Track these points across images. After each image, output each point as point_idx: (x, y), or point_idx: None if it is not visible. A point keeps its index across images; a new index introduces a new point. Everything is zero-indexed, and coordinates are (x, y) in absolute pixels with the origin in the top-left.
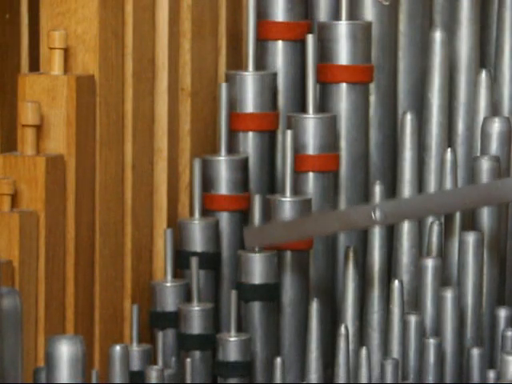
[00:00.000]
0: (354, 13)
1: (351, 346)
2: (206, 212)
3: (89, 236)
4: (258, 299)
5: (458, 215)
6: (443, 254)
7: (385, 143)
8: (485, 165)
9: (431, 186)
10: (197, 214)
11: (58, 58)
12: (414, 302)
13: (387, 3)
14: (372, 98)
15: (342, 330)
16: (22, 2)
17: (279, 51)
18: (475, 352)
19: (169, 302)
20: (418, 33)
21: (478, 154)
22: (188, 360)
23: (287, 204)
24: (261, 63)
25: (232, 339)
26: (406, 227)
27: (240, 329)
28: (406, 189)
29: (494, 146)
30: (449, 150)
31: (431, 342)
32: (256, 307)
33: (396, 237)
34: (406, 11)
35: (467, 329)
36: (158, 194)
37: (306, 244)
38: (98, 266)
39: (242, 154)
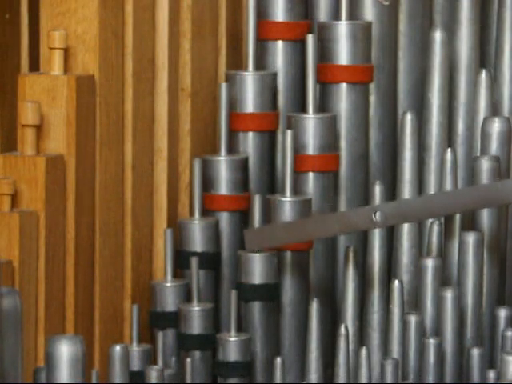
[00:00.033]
0: (354, 13)
1: (351, 346)
2: (206, 212)
3: (89, 236)
4: (258, 299)
5: (458, 215)
6: (443, 254)
7: (385, 143)
8: (485, 165)
9: (431, 186)
10: (197, 214)
11: (58, 58)
12: (414, 302)
13: (387, 3)
14: (372, 98)
15: (342, 330)
16: (22, 2)
17: (279, 51)
18: (475, 352)
19: (169, 301)
20: (418, 33)
21: (478, 154)
22: (188, 360)
23: (287, 204)
24: (261, 63)
25: (232, 339)
26: (405, 227)
27: (240, 329)
28: (406, 189)
29: (494, 146)
30: (449, 150)
31: (431, 341)
32: (256, 307)
33: (396, 237)
34: (406, 11)
35: (467, 329)
36: (158, 194)
37: (306, 244)
38: (98, 266)
39: (242, 154)
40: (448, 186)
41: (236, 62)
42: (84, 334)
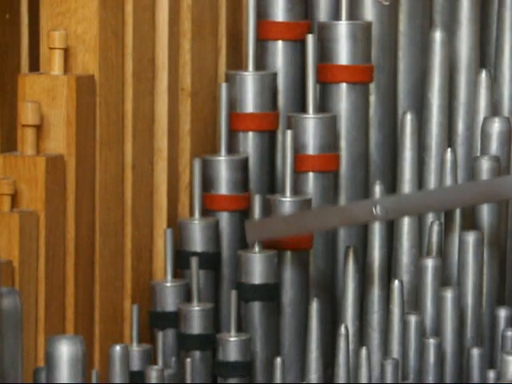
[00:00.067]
0: (354, 13)
1: (351, 346)
2: (206, 212)
3: (89, 236)
4: (258, 299)
5: (458, 215)
6: (443, 254)
7: (385, 143)
8: (485, 165)
9: (431, 186)
10: (197, 214)
11: (58, 58)
12: (414, 302)
13: (387, 3)
14: (372, 98)
15: (342, 330)
16: (22, 2)
17: (279, 51)
18: (475, 352)
19: (169, 301)
20: (418, 33)
21: (478, 154)
22: (188, 360)
23: (287, 204)
24: (261, 63)
25: (232, 339)
26: (406, 227)
27: (240, 329)
28: (406, 189)
29: (494, 146)
30: (449, 150)
31: (431, 341)
32: (256, 307)
33: (396, 237)
34: (406, 11)
35: (467, 329)
36: (158, 194)
37: (306, 244)
38: (98, 266)
39: (242, 154)
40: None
41: (236, 61)
42: (84, 334)
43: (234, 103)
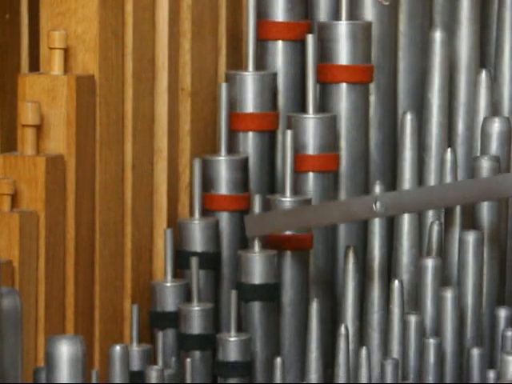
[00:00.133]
0: (354, 13)
1: (351, 346)
2: (206, 212)
3: (89, 236)
4: (258, 299)
5: (458, 214)
6: (443, 254)
7: (385, 143)
8: (485, 165)
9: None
10: (197, 214)
11: (58, 58)
12: (414, 302)
13: (387, 3)
14: (372, 98)
15: (342, 330)
16: (22, 2)
17: (279, 51)
18: (475, 352)
19: (169, 301)
20: (418, 33)
21: (478, 154)
22: (188, 360)
23: (287, 204)
24: (261, 63)
25: (232, 339)
26: (406, 227)
27: (240, 329)
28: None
29: (494, 146)
30: (449, 150)
31: (431, 341)
32: (256, 307)
33: (396, 237)
34: (406, 11)
35: (467, 329)
36: (158, 194)
37: (306, 244)
38: (98, 266)
39: (242, 154)
40: None
41: (236, 62)
42: (84, 334)
43: (234, 103)
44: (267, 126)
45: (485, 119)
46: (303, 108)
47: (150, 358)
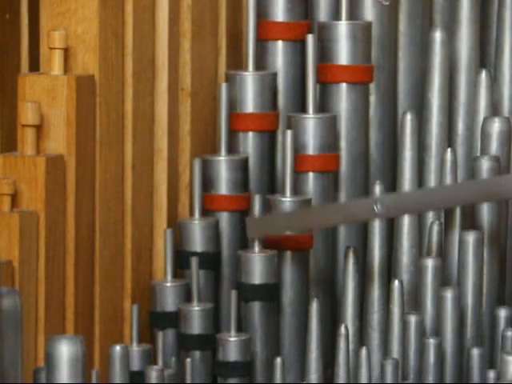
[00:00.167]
0: (354, 13)
1: (351, 346)
2: (206, 212)
3: (89, 236)
4: (258, 299)
5: (458, 214)
6: (443, 254)
7: (385, 143)
8: (485, 165)
9: (431, 185)
10: (197, 214)
11: (58, 58)
12: (414, 302)
13: (387, 3)
14: (372, 98)
15: (342, 330)
16: (22, 2)
17: (279, 51)
18: (475, 352)
19: (169, 301)
20: (418, 33)
21: (478, 154)
22: (188, 360)
23: (287, 204)
24: (261, 63)
25: (232, 339)
26: (406, 227)
27: (240, 329)
28: (406, 189)
29: (494, 146)
30: (449, 150)
31: (431, 341)
32: (256, 307)
33: (396, 237)
34: (406, 11)
35: (467, 329)
36: (158, 194)
37: (307, 244)
38: (97, 266)
39: (241, 154)
40: None
41: (236, 62)
42: (84, 334)
43: (234, 103)
44: (267, 125)
45: (485, 119)
46: (303, 108)
47: (150, 357)
